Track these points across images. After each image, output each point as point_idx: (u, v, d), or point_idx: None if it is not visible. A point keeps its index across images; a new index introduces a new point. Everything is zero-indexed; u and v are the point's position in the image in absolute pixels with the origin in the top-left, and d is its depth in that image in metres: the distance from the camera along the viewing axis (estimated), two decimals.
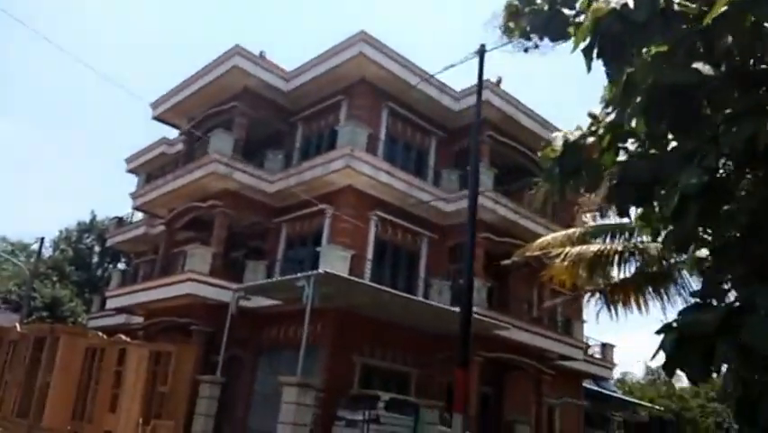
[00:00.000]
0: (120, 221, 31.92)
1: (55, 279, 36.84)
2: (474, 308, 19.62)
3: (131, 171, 32.37)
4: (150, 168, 30.38)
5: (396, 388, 19.37)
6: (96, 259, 43.07)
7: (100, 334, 17.17)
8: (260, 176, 21.69)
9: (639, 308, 16.72)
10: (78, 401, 15.71)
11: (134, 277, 23.80)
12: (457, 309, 19.30)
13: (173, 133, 28.98)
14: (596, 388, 29.63)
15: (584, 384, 27.65)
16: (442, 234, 22.58)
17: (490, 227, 21.99)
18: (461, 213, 21.79)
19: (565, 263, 18.22)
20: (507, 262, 18.55)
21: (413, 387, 20.51)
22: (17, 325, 17.56)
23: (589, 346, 25.24)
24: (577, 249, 16.43)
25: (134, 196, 25.46)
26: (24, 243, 44.00)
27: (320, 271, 14.35)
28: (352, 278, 15.61)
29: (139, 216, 30.16)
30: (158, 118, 26.42)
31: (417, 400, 16.36)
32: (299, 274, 15.06)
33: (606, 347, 27.56)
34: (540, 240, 17.75)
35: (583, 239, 17.26)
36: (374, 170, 19.84)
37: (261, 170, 21.91)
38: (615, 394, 31.45)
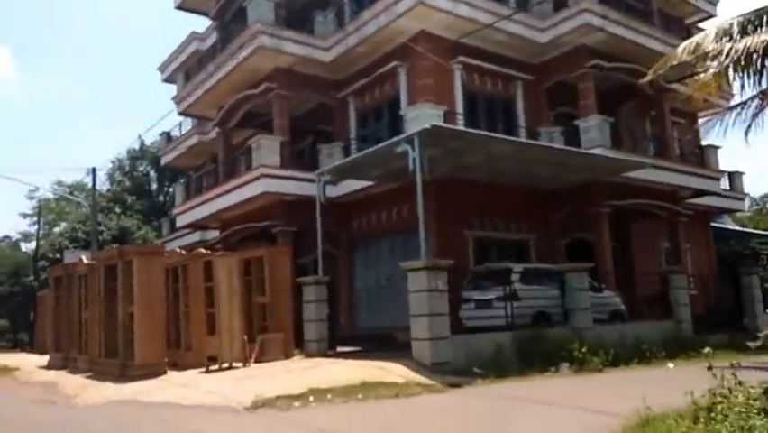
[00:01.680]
0: (168, 136, 29.43)
1: (118, 210, 35.43)
2: (597, 150, 16.51)
3: (168, 81, 29.42)
4: (186, 69, 27.29)
5: (515, 258, 16.71)
6: (155, 185, 41.45)
7: (178, 249, 14.94)
8: (314, 43, 18.25)
9: None
10: (171, 329, 13.81)
11: (199, 190, 21.51)
12: (597, 152, 16.08)
13: (201, 25, 25.51)
14: (721, 225, 26.26)
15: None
16: (536, 73, 18.87)
17: (598, 53, 18.10)
18: (557, 43, 18.01)
19: (711, 71, 14.37)
20: (643, 79, 14.91)
21: (533, 255, 17.81)
22: (83, 257, 15.45)
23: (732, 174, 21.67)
24: (742, 42, 12.56)
25: (177, 100, 22.57)
26: (81, 183, 42.70)
27: (426, 126, 11.23)
28: (469, 129, 12.45)
29: (188, 125, 27.51)
30: (182, 7, 22.95)
31: (560, 266, 13.59)
32: (400, 136, 11.99)
33: (734, 176, 23.82)
34: (683, 46, 13.87)
35: (745, 30, 13.30)
36: (452, 3, 16.02)
37: (313, 37, 18.43)
38: (746, 229, 28.10)
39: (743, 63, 12.66)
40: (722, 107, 25.25)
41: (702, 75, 14.52)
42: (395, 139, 11.98)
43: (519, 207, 17.55)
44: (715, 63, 14.14)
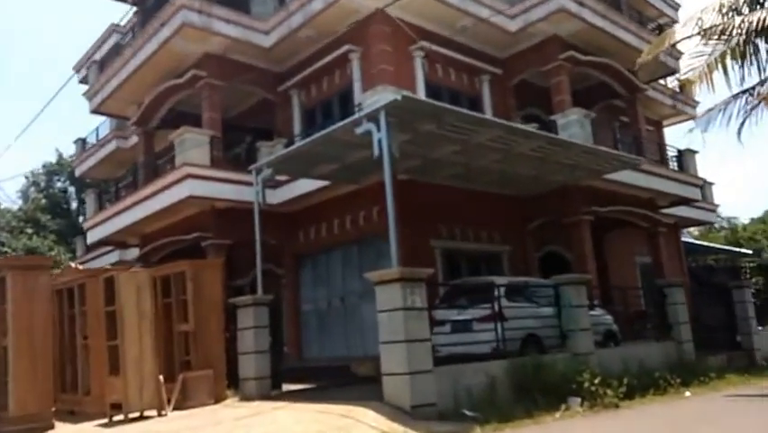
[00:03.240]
0: (83, 143, 25.87)
1: (30, 231, 31.22)
2: None
3: (84, 82, 25.97)
4: (104, 66, 23.98)
5: (487, 273, 14.44)
6: (75, 203, 37.24)
7: (74, 265, 11.82)
8: (251, 24, 15.63)
9: None
10: (67, 367, 10.71)
11: (116, 200, 18.39)
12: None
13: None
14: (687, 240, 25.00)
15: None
16: (504, 68, 16.91)
17: (572, 45, 16.32)
18: (528, 33, 16.11)
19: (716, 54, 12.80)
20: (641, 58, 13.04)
21: (506, 269, 15.56)
22: None
23: (704, 184, 20.21)
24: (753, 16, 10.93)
25: (89, 95, 19.30)
26: None
27: (395, 97, 8.76)
28: (449, 106, 10.02)
29: (104, 129, 24.14)
30: None
31: (554, 279, 11.30)
32: (360, 113, 9.46)
33: (704, 186, 22.51)
34: (683, 19, 12.20)
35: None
36: None
37: (250, 17, 15.83)
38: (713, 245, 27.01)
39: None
40: (688, 114, 24.47)
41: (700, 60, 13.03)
42: (354, 117, 9.46)
43: (493, 215, 15.34)
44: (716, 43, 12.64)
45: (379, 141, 8.76)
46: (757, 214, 43.07)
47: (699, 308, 16.15)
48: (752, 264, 23.43)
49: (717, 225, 41.17)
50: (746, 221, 42.44)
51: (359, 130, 9.14)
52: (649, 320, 15.14)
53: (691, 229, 33.76)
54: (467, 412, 8.35)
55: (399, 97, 8.62)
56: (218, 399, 10.57)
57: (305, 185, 14.03)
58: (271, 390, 10.78)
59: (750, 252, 27.48)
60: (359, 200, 13.78)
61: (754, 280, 19.91)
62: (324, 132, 10.06)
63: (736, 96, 12.01)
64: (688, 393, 10.59)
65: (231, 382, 11.13)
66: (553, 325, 11.09)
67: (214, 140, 14.54)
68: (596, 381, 9.19)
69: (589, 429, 7.61)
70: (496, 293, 10.76)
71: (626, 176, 15.63)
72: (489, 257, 15.52)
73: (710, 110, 12.30)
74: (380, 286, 8.41)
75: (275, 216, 15.49)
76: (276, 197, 14.93)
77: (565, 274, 11.83)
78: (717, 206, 22.66)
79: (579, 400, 9.02)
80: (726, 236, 37.10)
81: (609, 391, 9.27)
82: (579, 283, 11.20)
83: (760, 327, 16.36)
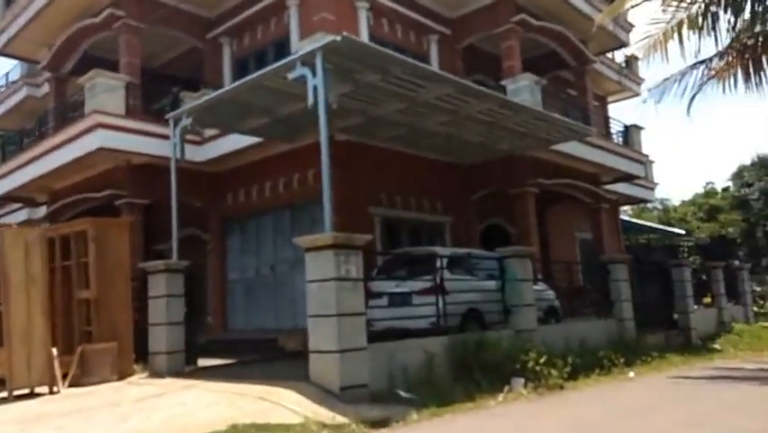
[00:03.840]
0: None
1: None
2: None
3: None
4: None
5: (428, 243, 13.67)
6: None
7: None
8: None
9: None
10: None
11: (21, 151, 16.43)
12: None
13: None
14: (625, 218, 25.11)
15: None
16: (454, 28, 15.99)
17: (524, 9, 15.53)
18: None
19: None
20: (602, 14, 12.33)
21: (448, 240, 14.86)
22: None
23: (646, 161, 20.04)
24: None
25: None
26: None
27: (333, 38, 7.64)
28: (397, 54, 8.92)
29: (15, 75, 21.78)
30: None
31: (500, 250, 10.57)
32: (293, 56, 8.26)
33: (646, 164, 22.45)
34: None
35: None
36: None
37: None
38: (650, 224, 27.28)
39: None
40: (632, 91, 24.34)
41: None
42: (286, 60, 8.25)
43: (436, 183, 14.53)
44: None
45: (315, 88, 7.65)
46: (687, 196, 44.42)
47: (636, 286, 15.99)
48: (689, 244, 23.73)
49: (649, 206, 42.20)
50: (677, 203, 43.71)
51: (292, 75, 8.00)
52: (587, 297, 14.80)
53: (625, 208, 34.30)
54: (402, 394, 7.53)
55: (339, 38, 7.50)
56: (123, 375, 9.36)
57: (234, 142, 12.76)
58: (185, 365, 9.64)
59: (683, 232, 27.99)
60: (293, 161, 12.64)
61: (690, 259, 20.01)
62: (251, 76, 8.83)
63: (693, 67, 11.48)
64: (632, 374, 10.18)
65: (140, 357, 9.91)
66: (495, 299, 10.41)
67: (130, 86, 12.97)
68: (541, 360, 8.55)
69: (534, 416, 6.93)
70: (437, 265, 9.95)
71: (573, 148, 15.12)
72: (431, 227, 14.76)
73: (666, 80, 11.73)
74: (311, 253, 7.39)
75: (200, 175, 14.19)
76: (201, 154, 13.62)
77: (510, 246, 11.13)
78: (656, 184, 22.69)
79: (522, 381, 8.36)
80: (660, 216, 37.98)
81: (554, 372, 8.65)
82: (524, 256, 10.52)
83: (696, 306, 16.37)
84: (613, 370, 10.12)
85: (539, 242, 15.28)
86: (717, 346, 15.28)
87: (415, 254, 11.05)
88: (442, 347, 8.65)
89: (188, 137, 13.21)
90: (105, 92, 12.21)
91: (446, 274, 10.00)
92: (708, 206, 39.25)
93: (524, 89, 13.82)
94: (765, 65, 10.75)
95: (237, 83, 9.14)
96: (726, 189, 41.21)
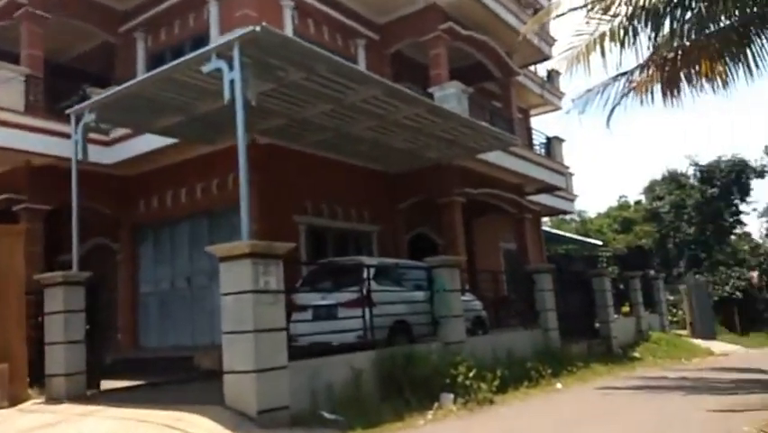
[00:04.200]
0: None
1: None
2: None
3: None
4: None
5: (355, 253, 13.24)
6: None
7: None
8: None
9: (723, 82, 11.65)
10: None
11: None
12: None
13: None
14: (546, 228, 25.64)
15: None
16: (381, 34, 15.74)
17: (452, 18, 15.47)
18: None
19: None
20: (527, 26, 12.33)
21: (375, 250, 14.48)
22: None
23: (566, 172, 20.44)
24: None
25: None
26: None
27: (252, 28, 7.07)
28: (322, 51, 8.41)
29: None
30: None
31: (428, 260, 10.25)
32: (208, 47, 7.61)
33: (566, 176, 22.99)
34: None
35: None
36: None
37: None
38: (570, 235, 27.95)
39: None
40: (554, 105, 24.97)
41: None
42: (200, 51, 7.60)
43: (363, 191, 14.14)
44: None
45: (232, 83, 7.06)
46: (602, 209, 46.19)
47: (559, 295, 16.20)
48: (607, 254, 24.47)
49: (567, 217, 43.60)
50: (593, 215, 45.39)
51: (206, 68, 7.37)
52: (511, 307, 14.80)
53: (545, 219, 35.28)
54: (326, 415, 7.01)
55: (258, 29, 6.95)
56: (15, 400, 8.36)
57: (146, 143, 11.87)
58: (87, 389, 8.70)
59: (600, 243, 28.93)
60: (212, 165, 11.88)
61: (609, 269, 20.56)
62: (160, 69, 8.12)
63: (615, 79, 11.66)
64: (559, 385, 10.10)
65: (35, 380, 8.89)
66: (424, 311, 10.08)
67: (31, 80, 11.83)
68: (470, 374, 8.26)
69: (458, 432, 6.57)
70: (364, 275, 9.51)
71: (498, 158, 15.15)
72: (358, 237, 14.33)
73: (589, 91, 11.86)
74: (227, 263, 6.77)
75: (109, 179, 13.19)
76: (110, 156, 12.63)
77: (439, 256, 10.85)
78: (576, 196, 23.27)
79: (452, 396, 8.04)
80: (577, 228, 39.21)
81: (484, 386, 8.40)
82: (453, 266, 10.27)
83: (616, 315, 16.74)
84: (541, 381, 10.01)
85: (465, 252, 15.18)
86: (637, 355, 15.65)
87: (341, 265, 10.57)
88: (369, 363, 8.21)
89: (96, 137, 12.22)
90: (1, 85, 11.04)
91: (373, 285, 9.56)
92: (621, 218, 40.95)
93: (451, 97, 13.68)
94: (683, 78, 11.05)
95: (145, 76, 8.39)
96: (638, 203, 43.19)
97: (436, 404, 7.72)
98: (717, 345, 21.31)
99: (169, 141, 11.48)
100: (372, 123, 10.64)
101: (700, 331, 23.59)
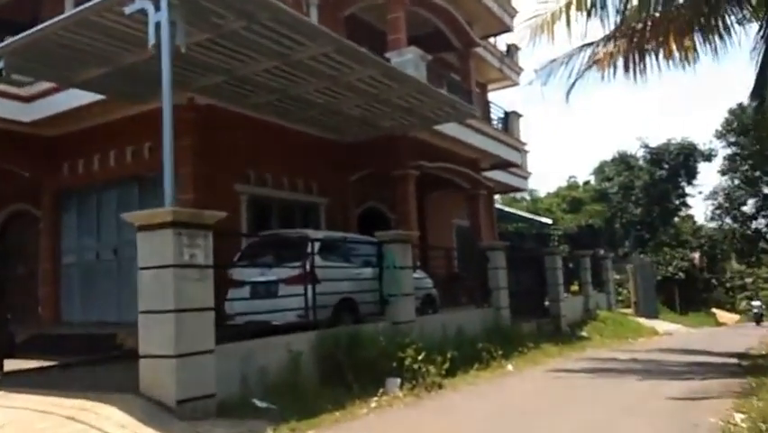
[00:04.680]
0: None
1: None
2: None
3: None
4: None
5: (302, 227, 12.45)
6: None
7: None
8: None
9: (690, 58, 11.30)
10: None
11: None
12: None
13: None
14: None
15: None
16: None
17: None
18: None
19: None
20: None
21: (323, 224, 13.71)
22: None
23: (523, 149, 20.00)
24: None
25: None
26: None
27: None
28: None
29: None
30: None
31: (379, 236, 9.58)
32: None
33: (522, 153, 22.62)
34: None
35: None
36: None
37: None
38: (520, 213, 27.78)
39: None
40: (511, 80, 24.49)
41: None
42: None
43: (311, 161, 13.27)
44: None
45: (158, 26, 6.12)
46: (552, 188, 46.60)
47: (510, 273, 15.89)
48: (558, 233, 24.38)
49: (518, 196, 43.79)
50: (543, 194, 45.72)
51: (129, 9, 6.39)
52: (462, 284, 14.35)
53: (496, 196, 35.13)
54: (258, 403, 6.31)
55: None
56: None
57: (70, 99, 10.67)
58: None
59: (550, 222, 28.92)
60: (144, 125, 10.72)
61: (561, 247, 20.40)
62: (76, 10, 7.06)
63: (581, 49, 11.13)
64: (510, 367, 9.67)
65: None
66: (372, 288, 9.44)
67: None
68: (419, 357, 7.69)
69: (412, 427, 5.98)
70: (308, 249, 8.77)
71: (455, 131, 14.56)
72: (305, 209, 13.51)
73: (553, 61, 11.32)
74: (145, 233, 5.91)
75: (29, 139, 11.97)
76: (29, 113, 11.41)
77: (390, 231, 10.19)
78: (530, 174, 22.98)
79: (398, 381, 7.45)
80: (528, 207, 39.37)
81: (433, 369, 7.85)
82: (405, 241, 9.64)
83: (565, 294, 16.56)
84: (491, 363, 9.56)
85: (417, 228, 14.60)
86: (585, 334, 15.52)
87: (283, 238, 9.81)
88: (309, 345, 7.53)
89: (12, 91, 11.05)
90: None
91: (318, 260, 8.85)
92: (571, 198, 41.36)
93: (408, 63, 12.89)
94: (651, 52, 10.61)
95: (58, 18, 7.28)
96: (587, 183, 43.70)
97: (381, 390, 7.11)
98: (660, 325, 21.62)
99: (95, 97, 10.35)
100: (322, 84, 9.78)
101: (644, 310, 23.91)
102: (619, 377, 8.58)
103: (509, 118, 18.58)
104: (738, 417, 5.64)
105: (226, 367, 6.25)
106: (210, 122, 10.72)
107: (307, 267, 8.56)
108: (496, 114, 18.48)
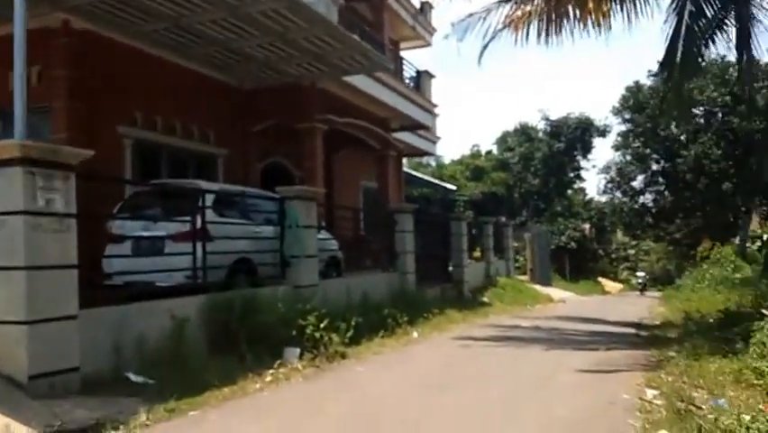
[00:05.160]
0: None
1: None
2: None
3: None
4: None
5: (195, 177, 11.32)
6: None
7: None
8: None
9: (599, 22, 11.17)
10: None
11: None
12: None
13: None
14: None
15: None
16: None
17: None
18: None
19: None
20: None
21: (221, 177, 12.60)
22: None
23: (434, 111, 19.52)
24: None
25: None
26: None
27: None
28: None
29: None
30: None
31: (281, 191, 8.71)
32: None
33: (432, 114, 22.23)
34: None
35: None
36: None
37: None
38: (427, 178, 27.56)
39: None
40: (424, 41, 23.89)
41: None
42: None
43: (210, 107, 12.05)
44: None
45: None
46: (456, 156, 47.07)
47: (416, 238, 15.57)
48: (464, 199, 24.42)
49: (423, 161, 43.89)
50: (447, 161, 46.12)
51: None
52: (368, 247, 13.84)
53: (404, 160, 34.95)
54: (133, 377, 5.42)
55: None
56: None
57: None
58: None
59: (455, 188, 29.06)
60: (5, 51, 9.19)
61: (466, 213, 20.39)
62: None
63: (499, 4, 10.63)
64: (416, 334, 9.27)
65: None
66: (272, 249, 8.63)
67: None
68: (321, 325, 7.03)
69: (308, 405, 5.30)
70: (201, 203, 7.79)
71: (366, 85, 13.86)
72: (201, 160, 12.31)
73: (471, 15, 10.77)
74: None
75: None
76: None
77: (294, 186, 9.35)
78: (439, 138, 22.70)
79: (298, 351, 6.78)
80: (433, 172, 39.47)
81: (336, 337, 7.23)
82: (309, 198, 8.85)
83: (469, 260, 16.51)
84: (397, 330, 9.11)
85: (324, 187, 13.83)
86: (486, 300, 15.57)
87: (172, 188, 8.71)
88: (197, 310, 6.66)
89: None
90: None
91: (211, 215, 7.91)
92: (474, 166, 41.97)
93: (319, 3, 11.87)
94: (568, 14, 10.33)
95: None
96: (489, 153, 44.52)
97: (279, 361, 6.40)
98: (554, 292, 22.37)
99: None
100: (220, 15, 8.67)
101: (539, 277, 24.69)
102: (525, 346, 8.40)
103: (421, 78, 18.04)
104: (651, 393, 5.46)
105: (94, 336, 5.30)
106: (90, 51, 9.28)
107: (199, 222, 7.62)
108: (408, 72, 17.88)
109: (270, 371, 6.17)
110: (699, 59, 10.96)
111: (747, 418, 4.49)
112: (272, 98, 12.82)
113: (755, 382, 5.51)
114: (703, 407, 4.81)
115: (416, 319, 10.02)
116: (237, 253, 8.24)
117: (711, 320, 10.52)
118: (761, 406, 4.56)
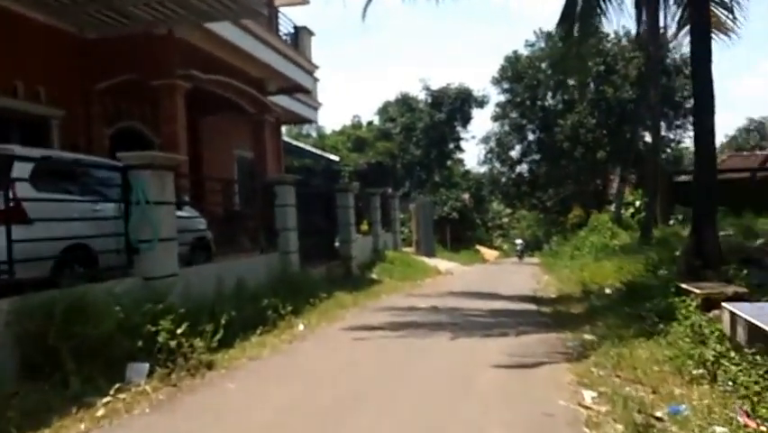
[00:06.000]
0: None
1: None
2: None
3: None
4: None
5: (20, 143, 9.09)
6: None
7: None
8: None
9: None
10: None
11: None
12: None
13: None
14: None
15: None
16: None
17: None
18: None
19: None
20: None
21: (56, 143, 10.34)
22: None
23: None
24: None
25: None
26: None
27: None
28: None
29: None
30: None
31: (123, 156, 6.87)
32: None
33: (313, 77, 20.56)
34: None
35: None
36: None
37: None
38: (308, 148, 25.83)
39: None
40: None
41: None
42: None
43: (40, 58, 9.77)
44: None
45: None
46: (337, 127, 45.66)
47: (299, 212, 14.15)
48: (349, 169, 23.14)
49: (303, 131, 42.07)
50: (329, 132, 44.62)
51: None
52: (244, 225, 12.20)
53: (283, 129, 32.80)
54: None
55: None
56: None
57: None
58: None
59: (338, 159, 27.74)
60: None
61: (352, 185, 19.14)
62: None
63: None
64: (302, 326, 7.92)
65: None
66: (116, 232, 6.83)
67: None
68: (179, 330, 5.48)
69: None
70: (13, 175, 5.87)
71: (236, 37, 12.06)
72: (30, 123, 9.97)
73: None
74: None
75: None
76: None
77: (141, 152, 7.49)
78: (320, 104, 21.14)
79: (146, 366, 5.18)
80: (315, 142, 37.86)
81: (199, 343, 5.71)
82: (163, 168, 7.09)
83: (357, 235, 15.34)
84: (279, 323, 7.71)
85: (190, 156, 11.91)
86: (375, 276, 14.55)
87: None
88: (2, 317, 4.85)
89: None
90: None
91: (28, 191, 6.01)
92: (355, 137, 40.87)
93: None
94: None
95: None
96: (371, 123, 43.59)
97: (118, 385, 4.78)
98: (439, 263, 21.89)
99: None
100: None
101: (424, 249, 24.18)
102: (429, 335, 7.35)
103: (300, 35, 16.36)
104: (588, 395, 4.56)
105: None
106: None
107: (10, 199, 5.72)
108: (285, 28, 16.11)
109: (105, 399, 4.55)
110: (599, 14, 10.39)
111: (720, 430, 3.66)
112: (121, 50, 10.68)
113: (696, 373, 4.79)
114: (662, 416, 3.93)
115: (301, 307, 8.67)
116: (68, 239, 6.40)
117: (609, 291, 10.17)
118: (732, 414, 3.75)
